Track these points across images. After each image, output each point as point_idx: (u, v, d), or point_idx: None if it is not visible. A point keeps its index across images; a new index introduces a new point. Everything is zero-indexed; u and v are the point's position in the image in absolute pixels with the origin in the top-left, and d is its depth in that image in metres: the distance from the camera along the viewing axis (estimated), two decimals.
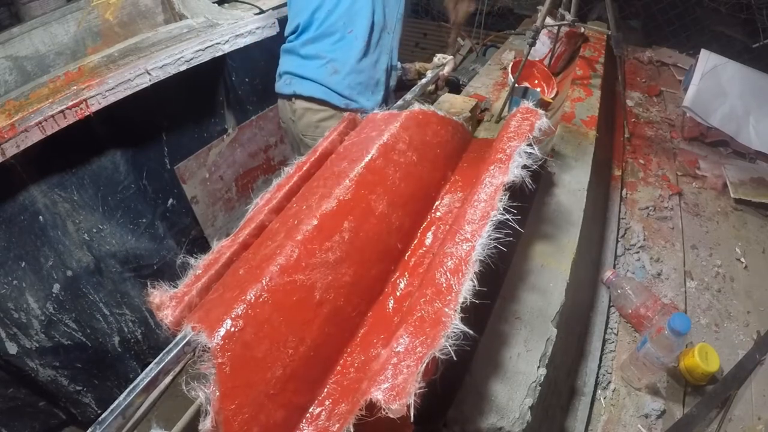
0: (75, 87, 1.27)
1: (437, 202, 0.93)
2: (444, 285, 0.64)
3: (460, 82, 2.16)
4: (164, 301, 0.69)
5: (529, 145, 0.85)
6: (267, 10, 1.80)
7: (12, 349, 1.33)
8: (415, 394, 0.51)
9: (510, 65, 1.76)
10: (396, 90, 1.51)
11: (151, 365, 0.61)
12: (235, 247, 0.78)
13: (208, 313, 0.64)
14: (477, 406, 0.72)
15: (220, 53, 1.56)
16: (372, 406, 0.53)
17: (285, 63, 1.41)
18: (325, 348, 0.68)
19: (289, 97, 1.40)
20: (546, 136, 1.32)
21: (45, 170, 1.33)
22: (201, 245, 1.87)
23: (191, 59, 1.48)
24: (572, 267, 0.95)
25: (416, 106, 1.07)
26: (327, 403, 0.65)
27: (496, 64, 2.10)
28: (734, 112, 1.74)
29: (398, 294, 0.77)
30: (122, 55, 1.42)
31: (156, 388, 0.61)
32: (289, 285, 0.67)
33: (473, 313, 0.63)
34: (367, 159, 0.86)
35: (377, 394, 0.53)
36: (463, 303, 0.61)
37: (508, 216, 0.71)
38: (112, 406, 0.57)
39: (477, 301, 0.62)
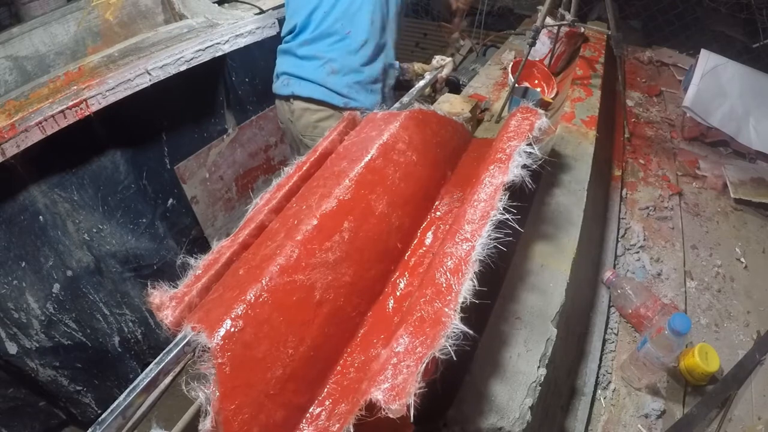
0: (75, 87, 1.27)
1: (437, 202, 0.93)
2: (444, 285, 0.64)
3: (460, 82, 2.16)
4: (164, 301, 0.70)
5: (529, 144, 0.85)
6: (267, 10, 1.80)
7: (12, 349, 1.33)
8: (415, 394, 0.51)
9: (510, 65, 1.76)
10: (395, 90, 1.51)
11: (151, 365, 0.61)
12: (235, 247, 0.78)
13: (208, 314, 0.64)
14: (477, 406, 0.72)
15: (220, 53, 1.56)
16: (372, 406, 0.53)
17: (282, 63, 1.40)
18: (325, 348, 0.68)
19: (287, 98, 1.40)
20: (546, 135, 1.32)
21: (45, 170, 1.33)
22: (201, 245, 1.87)
23: (191, 59, 1.48)
24: (572, 267, 0.95)
25: (416, 106, 1.07)
26: (327, 403, 0.65)
27: (496, 64, 2.10)
28: (734, 112, 1.74)
29: (398, 294, 0.77)
30: (122, 55, 1.42)
31: (156, 388, 0.61)
32: (289, 285, 0.67)
33: (473, 313, 0.63)
34: (366, 159, 0.86)
35: (377, 394, 0.53)
36: (463, 303, 0.61)
37: (507, 216, 0.71)
38: (112, 406, 0.57)
39: (477, 301, 0.62)
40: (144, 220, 1.62)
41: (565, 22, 1.65)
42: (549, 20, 1.57)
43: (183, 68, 1.47)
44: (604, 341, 1.10)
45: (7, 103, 1.22)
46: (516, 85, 1.58)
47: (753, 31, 2.23)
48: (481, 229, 0.70)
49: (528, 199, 1.00)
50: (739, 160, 1.71)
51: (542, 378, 0.77)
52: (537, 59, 1.85)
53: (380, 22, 1.29)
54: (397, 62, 1.50)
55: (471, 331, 0.58)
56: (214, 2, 1.82)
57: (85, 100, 1.26)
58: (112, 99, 1.32)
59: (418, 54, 2.88)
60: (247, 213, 0.85)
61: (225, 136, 1.85)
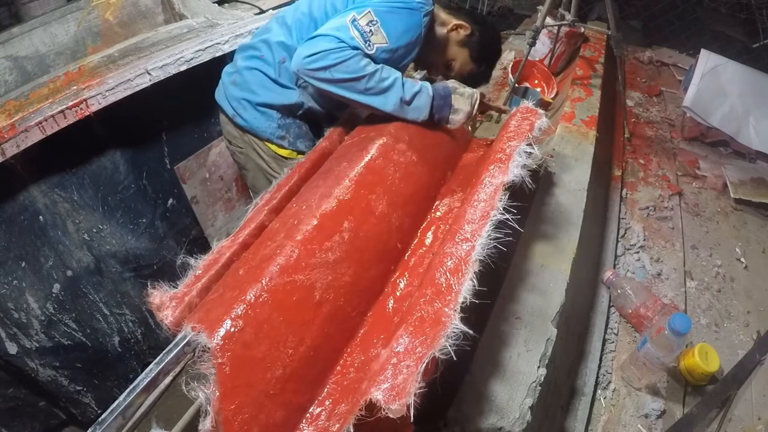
0: (75, 87, 1.27)
1: (437, 202, 0.93)
2: (444, 285, 0.64)
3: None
4: (164, 301, 0.69)
5: (529, 144, 0.85)
6: (267, 10, 1.80)
7: (12, 349, 1.33)
8: (415, 394, 0.51)
9: (510, 65, 1.76)
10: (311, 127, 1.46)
11: (151, 365, 0.61)
12: (235, 248, 0.78)
13: (208, 314, 0.64)
14: (477, 406, 0.72)
15: (220, 53, 1.56)
16: (372, 406, 0.53)
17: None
18: (325, 348, 0.68)
19: None
20: (546, 135, 1.32)
21: (45, 170, 1.33)
22: (201, 245, 1.87)
23: (191, 59, 1.48)
24: (572, 267, 0.95)
25: None
26: (327, 403, 0.65)
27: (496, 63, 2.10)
28: (734, 112, 1.74)
29: (398, 294, 0.77)
30: (122, 55, 1.42)
31: (156, 388, 0.61)
32: (289, 285, 0.67)
33: (473, 313, 0.63)
34: (367, 159, 0.86)
35: (377, 394, 0.53)
36: (462, 303, 0.61)
37: (507, 216, 0.71)
38: (112, 406, 0.57)
39: (477, 301, 0.62)
40: (144, 220, 1.61)
41: (565, 22, 1.65)
42: (549, 20, 1.57)
43: (183, 68, 1.46)
44: (604, 341, 1.10)
45: (7, 103, 1.22)
46: (516, 85, 1.58)
47: (753, 31, 2.23)
48: (481, 229, 0.70)
49: (528, 199, 1.00)
50: (739, 160, 1.71)
51: (542, 378, 0.77)
52: (537, 59, 1.85)
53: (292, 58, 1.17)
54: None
55: (471, 331, 0.58)
56: (214, 2, 1.82)
57: (85, 100, 1.26)
58: (112, 99, 1.32)
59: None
60: (247, 213, 0.85)
61: None
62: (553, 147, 1.27)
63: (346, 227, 0.76)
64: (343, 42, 0.94)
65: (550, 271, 0.94)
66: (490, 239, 0.68)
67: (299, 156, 1.19)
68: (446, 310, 0.60)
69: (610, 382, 1.03)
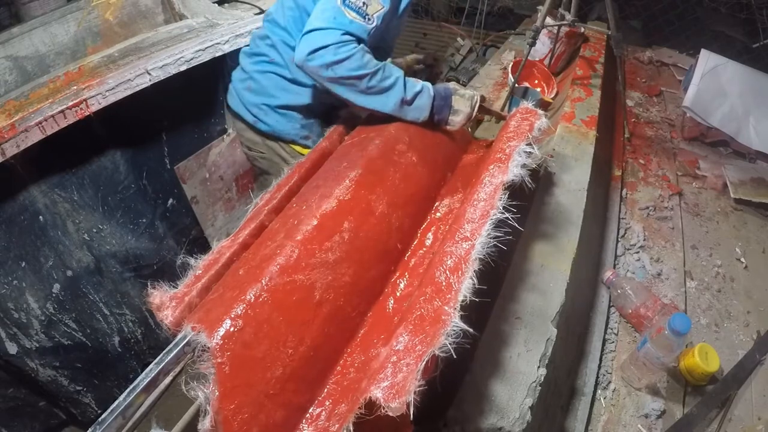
0: (75, 87, 1.27)
1: (437, 203, 0.93)
2: (444, 283, 0.64)
3: (460, 82, 2.16)
4: (164, 301, 0.70)
5: (529, 144, 0.85)
6: (267, 10, 1.80)
7: (12, 349, 1.33)
8: (415, 393, 0.51)
9: (510, 65, 1.76)
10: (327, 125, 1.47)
11: (151, 365, 0.61)
12: (235, 248, 0.78)
13: (208, 313, 0.64)
14: (477, 405, 0.72)
15: (220, 53, 1.56)
16: (372, 405, 0.53)
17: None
18: (325, 348, 0.68)
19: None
20: (546, 135, 1.32)
21: (45, 170, 1.33)
22: (201, 245, 1.87)
23: (191, 59, 1.48)
24: (572, 267, 0.95)
25: None
26: (327, 403, 0.65)
27: (496, 64, 2.11)
28: (734, 112, 1.74)
29: (398, 294, 0.77)
30: (122, 55, 1.42)
31: (156, 388, 0.61)
32: (289, 285, 0.67)
33: (473, 312, 0.63)
34: (367, 159, 0.86)
35: (377, 393, 0.53)
36: (462, 301, 0.61)
37: (507, 215, 0.71)
38: (112, 406, 0.57)
39: (477, 300, 0.62)
40: (144, 220, 1.61)
41: (565, 22, 1.65)
42: (549, 20, 1.57)
43: (183, 68, 1.46)
44: (604, 341, 1.10)
45: (7, 103, 1.22)
46: (516, 85, 1.58)
47: (753, 31, 2.23)
48: (481, 228, 0.70)
49: (528, 199, 1.00)
50: (739, 160, 1.71)
51: (542, 378, 0.77)
52: (537, 59, 1.85)
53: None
54: (390, 58, 1.47)
55: (471, 330, 0.58)
56: (214, 2, 1.82)
57: (85, 100, 1.26)
58: (112, 99, 1.32)
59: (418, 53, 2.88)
60: (247, 213, 0.85)
61: (225, 136, 1.84)
62: (553, 147, 1.27)
63: (346, 227, 0.76)
64: (344, 32, 0.91)
65: (550, 271, 0.94)
66: (490, 238, 0.68)
67: None
68: (446, 308, 0.60)
69: (610, 382, 1.03)
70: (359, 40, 0.94)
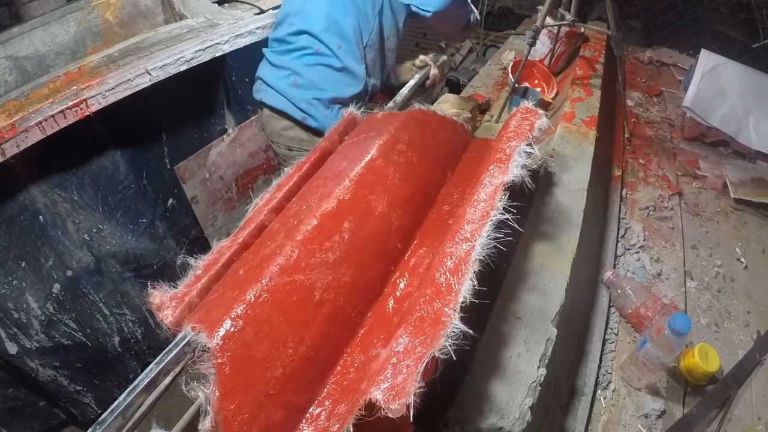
0: (75, 87, 1.27)
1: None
2: (444, 285, 0.64)
3: (460, 82, 2.16)
4: (164, 301, 0.70)
5: (529, 144, 0.85)
6: (267, 10, 1.80)
7: (12, 349, 1.33)
8: (415, 394, 0.51)
9: (510, 65, 1.76)
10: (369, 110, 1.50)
11: (151, 365, 0.61)
12: (235, 248, 0.78)
13: (208, 314, 0.64)
14: (477, 405, 0.72)
15: (220, 53, 1.56)
16: (372, 406, 0.53)
17: (260, 68, 1.41)
18: (324, 348, 0.68)
19: (258, 103, 1.41)
20: (546, 135, 1.32)
21: (45, 170, 1.33)
22: (201, 245, 1.87)
23: (191, 59, 1.48)
24: (572, 267, 0.95)
25: (416, 106, 1.07)
26: (327, 403, 0.65)
27: (496, 64, 2.11)
28: (734, 112, 1.74)
29: (398, 294, 0.77)
30: (122, 55, 1.42)
31: (156, 389, 0.61)
32: (289, 285, 0.67)
33: (473, 313, 0.63)
34: (366, 159, 0.86)
35: (377, 394, 0.53)
36: (462, 303, 0.61)
37: (507, 216, 0.71)
38: (112, 406, 0.57)
39: (477, 301, 0.62)
40: (144, 220, 1.62)
41: (565, 22, 1.65)
42: (549, 20, 1.57)
43: (183, 68, 1.47)
44: (604, 341, 1.10)
45: (7, 103, 1.22)
46: (516, 85, 1.58)
47: (753, 31, 2.23)
48: (481, 229, 0.70)
49: (528, 199, 1.00)
50: (739, 160, 1.71)
51: (542, 378, 0.77)
52: (537, 59, 1.85)
53: (353, 47, 1.27)
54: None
55: (471, 331, 0.58)
56: (214, 2, 1.82)
57: (85, 100, 1.26)
58: (112, 99, 1.32)
59: (418, 54, 2.88)
60: (247, 213, 0.85)
61: (225, 136, 1.85)
62: (553, 147, 1.27)
63: (346, 227, 0.76)
64: None
65: (550, 271, 0.94)
66: (490, 239, 0.68)
67: None
68: (446, 309, 0.60)
69: (610, 382, 1.03)
70: None
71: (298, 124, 1.29)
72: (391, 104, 1.25)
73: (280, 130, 1.35)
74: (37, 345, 1.37)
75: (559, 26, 1.71)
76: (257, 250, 0.75)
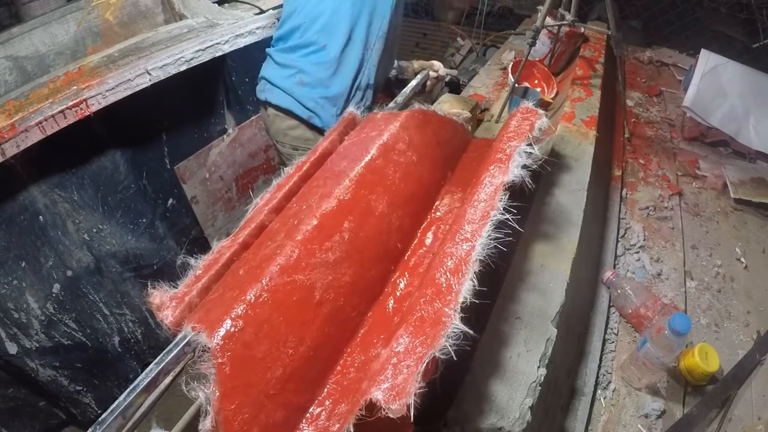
0: (75, 87, 1.27)
1: (437, 202, 0.93)
2: (444, 285, 0.64)
3: (460, 82, 2.16)
4: (164, 301, 0.70)
5: (529, 144, 0.85)
6: (267, 10, 1.80)
7: (12, 349, 1.33)
8: (415, 394, 0.51)
9: (510, 65, 1.75)
10: (371, 108, 1.50)
11: (151, 365, 0.61)
12: (235, 248, 0.78)
13: (208, 314, 0.64)
14: (477, 405, 0.72)
15: (220, 53, 1.56)
16: (372, 406, 0.53)
17: (263, 68, 1.41)
18: (325, 348, 0.68)
19: (263, 103, 1.41)
20: (546, 135, 1.32)
21: (45, 170, 1.33)
22: (201, 245, 1.87)
23: (191, 59, 1.48)
24: (572, 267, 0.95)
25: (416, 106, 1.07)
26: (327, 403, 0.65)
27: (496, 64, 2.10)
28: (734, 112, 1.74)
29: (398, 294, 0.77)
30: (122, 55, 1.42)
31: (156, 389, 0.61)
32: (289, 285, 0.67)
33: (473, 313, 0.63)
34: (367, 159, 0.86)
35: (377, 394, 0.53)
36: (463, 303, 0.61)
37: (507, 216, 0.71)
38: (112, 406, 0.57)
39: (477, 301, 0.62)
40: (144, 220, 1.62)
41: (565, 22, 1.65)
42: (549, 20, 1.57)
43: (183, 68, 1.47)
44: (604, 341, 1.10)
45: (7, 103, 1.22)
46: (516, 85, 1.58)
47: (753, 31, 2.23)
48: (481, 229, 0.70)
49: (528, 199, 1.00)
50: (739, 160, 1.71)
51: (542, 378, 0.77)
52: (537, 59, 1.85)
53: (360, 40, 1.27)
54: (396, 61, 1.50)
55: (471, 331, 0.58)
56: (214, 2, 1.82)
57: (85, 100, 1.26)
58: (112, 99, 1.32)
59: (418, 54, 2.88)
60: (247, 213, 0.85)
61: (225, 136, 1.85)
62: (553, 147, 1.27)
63: (346, 227, 0.76)
64: None
65: (550, 271, 0.94)
66: (490, 239, 0.68)
67: None
68: (446, 310, 0.60)
69: (610, 382, 1.03)
70: None
71: (303, 123, 1.29)
72: (391, 104, 1.25)
73: (286, 129, 1.35)
74: (37, 345, 1.37)
75: (559, 26, 1.71)
76: (257, 250, 0.75)
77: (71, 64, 1.39)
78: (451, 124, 1.10)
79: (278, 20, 1.72)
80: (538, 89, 1.76)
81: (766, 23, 2.14)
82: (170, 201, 1.72)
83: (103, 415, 0.56)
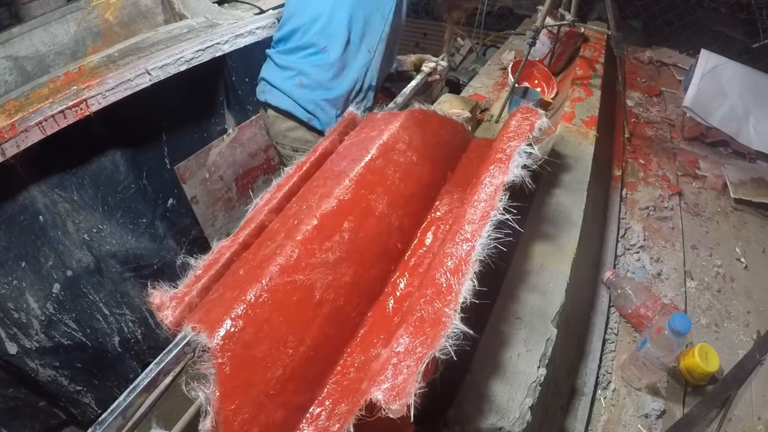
0: (75, 87, 1.27)
1: (437, 202, 0.93)
2: (444, 285, 0.64)
3: (460, 82, 2.16)
4: (164, 301, 0.70)
5: (529, 144, 0.85)
6: (267, 10, 1.80)
7: (12, 349, 1.33)
8: (415, 394, 0.51)
9: (510, 65, 1.76)
10: (397, 81, 1.50)
11: (151, 365, 0.61)
12: (235, 248, 0.78)
13: (208, 314, 0.64)
14: (477, 406, 0.72)
15: (220, 53, 1.56)
16: (372, 406, 0.53)
17: (263, 69, 1.41)
18: (325, 348, 0.68)
19: (263, 104, 1.41)
20: (546, 135, 1.32)
21: (45, 170, 1.33)
22: (201, 245, 1.87)
23: (191, 59, 1.48)
24: (572, 267, 0.95)
25: (416, 106, 1.07)
26: (327, 403, 0.65)
27: (496, 64, 2.10)
28: (734, 112, 1.74)
29: (398, 294, 0.77)
30: (122, 55, 1.42)
31: (156, 388, 0.61)
32: (289, 285, 0.67)
33: (473, 313, 0.63)
34: (367, 159, 0.86)
35: (377, 394, 0.53)
36: (463, 303, 0.61)
37: (507, 216, 0.71)
38: (112, 406, 0.57)
39: (477, 301, 0.62)
40: (144, 220, 1.62)
41: (565, 22, 1.65)
42: (549, 20, 1.57)
43: (183, 68, 1.47)
44: (604, 341, 1.10)
45: (7, 103, 1.22)
46: (516, 85, 1.58)
47: (753, 31, 2.23)
48: (481, 229, 0.70)
49: (528, 199, 1.00)
50: (739, 160, 1.71)
51: (542, 378, 0.77)
52: (537, 59, 1.85)
53: (362, 43, 1.26)
54: (398, 57, 1.50)
55: (471, 331, 0.58)
56: (214, 2, 1.82)
57: (85, 100, 1.26)
58: (112, 99, 1.32)
59: (418, 54, 2.88)
60: (247, 213, 0.85)
61: (225, 136, 1.85)
62: (553, 147, 1.27)
63: (346, 227, 0.76)
64: None
65: (550, 271, 0.94)
66: (490, 239, 0.68)
67: None
68: (446, 310, 0.60)
69: (610, 382, 1.03)
70: None
71: (303, 125, 1.28)
72: (391, 104, 1.25)
73: (285, 131, 1.35)
74: (37, 345, 1.37)
75: (559, 26, 1.71)
76: (257, 250, 0.75)
77: (71, 64, 1.39)
78: (451, 124, 1.10)
79: (278, 21, 1.72)
80: (538, 89, 1.76)
81: (766, 23, 2.14)
82: (170, 201, 1.72)
83: (103, 415, 0.56)
